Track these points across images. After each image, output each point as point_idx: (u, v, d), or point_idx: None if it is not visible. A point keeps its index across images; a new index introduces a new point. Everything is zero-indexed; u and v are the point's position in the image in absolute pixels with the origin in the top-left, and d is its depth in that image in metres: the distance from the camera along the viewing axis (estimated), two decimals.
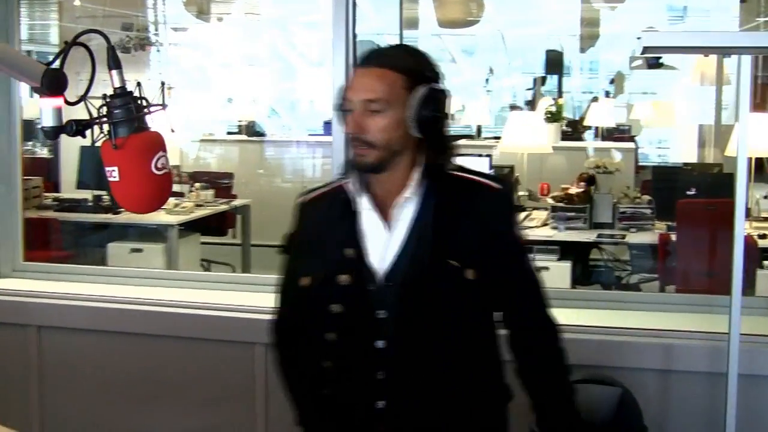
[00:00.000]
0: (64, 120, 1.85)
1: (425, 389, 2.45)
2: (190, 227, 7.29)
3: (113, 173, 1.80)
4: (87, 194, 7.47)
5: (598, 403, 3.56)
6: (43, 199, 7.34)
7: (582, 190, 6.55)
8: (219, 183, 8.00)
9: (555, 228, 6.38)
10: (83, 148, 7.67)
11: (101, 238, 7.18)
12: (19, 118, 4.91)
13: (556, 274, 6.02)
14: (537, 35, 10.27)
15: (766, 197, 6.67)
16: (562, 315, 3.98)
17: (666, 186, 6.82)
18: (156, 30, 9.24)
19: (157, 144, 1.81)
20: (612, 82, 11.57)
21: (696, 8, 9.48)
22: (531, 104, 10.85)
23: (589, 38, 10.37)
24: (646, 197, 6.67)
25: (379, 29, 4.39)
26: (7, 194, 4.86)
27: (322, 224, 2.53)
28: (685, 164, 8.44)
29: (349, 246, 2.45)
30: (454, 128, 10.78)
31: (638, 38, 3.02)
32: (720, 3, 9.13)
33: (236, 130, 10.73)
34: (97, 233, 7.24)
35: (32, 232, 5.15)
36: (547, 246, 6.20)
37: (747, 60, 3.12)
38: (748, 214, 6.05)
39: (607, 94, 11.38)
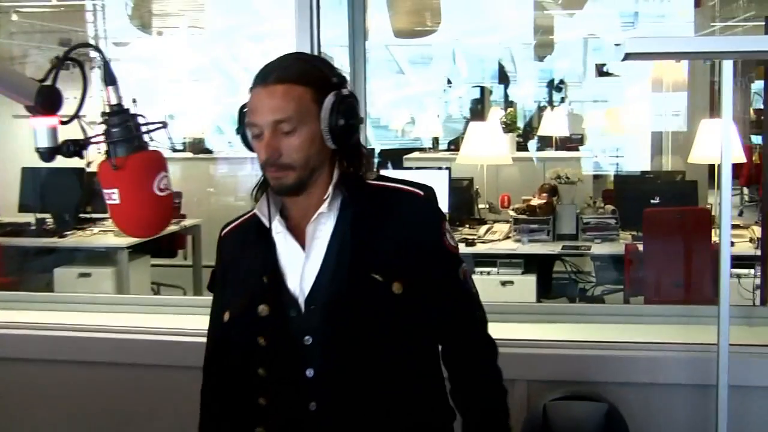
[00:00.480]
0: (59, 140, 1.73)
1: (361, 415, 2.32)
2: (139, 249, 7.13)
3: (113, 195, 1.72)
4: (29, 217, 7.31)
5: (584, 420, 3.52)
6: None
7: (544, 201, 6.51)
8: None
9: (518, 241, 6.35)
10: (24, 170, 7.49)
11: (46, 263, 7.02)
12: None
13: (521, 288, 5.99)
14: (491, 44, 10.26)
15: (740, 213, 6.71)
16: (535, 330, 3.99)
17: (628, 195, 6.80)
18: (96, 45, 9.09)
19: (159, 163, 1.72)
20: (558, 89, 11.57)
21: (647, 14, 9.50)
22: (479, 115, 10.83)
23: (543, 46, 10.39)
24: (610, 207, 6.66)
25: (329, 40, 4.29)
26: None
27: (239, 255, 2.41)
28: (645, 172, 8.44)
29: (264, 273, 2.32)
30: (404, 141, 10.82)
31: (617, 44, 2.99)
32: (672, 9, 9.16)
33: (180, 148, 10.56)
34: (41, 258, 7.07)
35: None
36: (511, 260, 6.14)
37: (729, 64, 3.10)
38: (712, 222, 6.06)
39: (551, 102, 11.40)
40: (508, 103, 11.36)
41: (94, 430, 4.18)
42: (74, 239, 7.03)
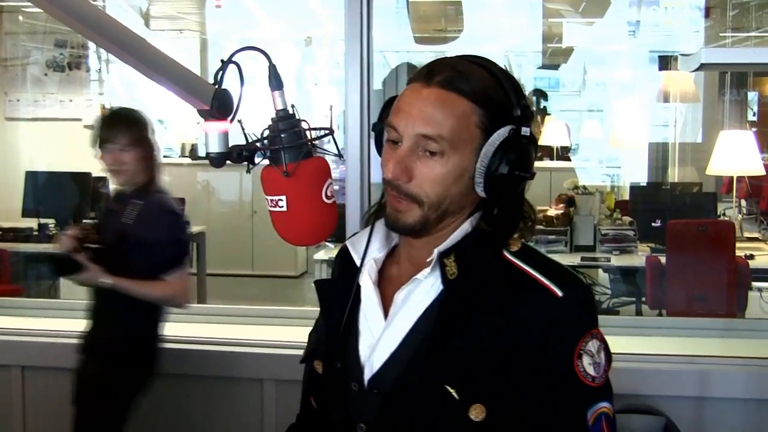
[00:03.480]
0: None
1: None
2: None
3: (279, 202, 1.68)
4: (32, 222, 7.31)
5: None
6: None
7: (562, 211, 6.58)
8: None
9: None
10: (28, 173, 7.49)
11: (49, 271, 7.00)
12: None
13: None
14: (501, 52, 10.33)
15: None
16: None
17: (644, 207, 6.88)
18: (91, 46, 9.07)
19: (326, 171, 1.71)
20: (545, 98, 11.62)
21: (650, 23, 9.59)
22: None
23: (553, 54, 10.49)
24: (627, 218, 6.74)
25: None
26: None
27: (330, 282, 1.96)
28: (661, 183, 8.53)
29: (334, 323, 1.86)
30: None
31: (684, 55, 3.05)
32: (676, 18, 9.26)
33: (176, 153, 10.56)
34: (45, 265, 7.06)
35: None
36: None
37: None
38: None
39: (544, 111, 11.46)
40: None
41: None
42: None
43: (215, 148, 1.69)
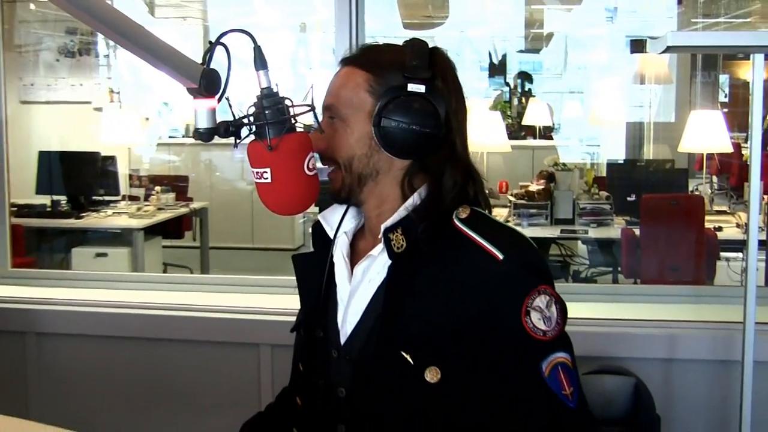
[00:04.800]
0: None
1: None
2: (151, 231, 7.18)
3: (264, 174, 1.71)
4: (45, 199, 7.33)
5: (615, 394, 3.60)
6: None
7: (542, 187, 6.61)
8: (176, 186, 7.89)
9: (518, 224, 6.43)
10: (41, 153, 7.51)
11: (62, 244, 7.05)
12: (5, 131, 4.81)
13: None
14: (486, 37, 10.34)
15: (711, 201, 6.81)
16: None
17: (620, 182, 6.91)
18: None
19: (308, 145, 1.74)
20: (530, 80, 11.63)
21: (626, 10, 9.62)
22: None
23: (535, 39, 10.51)
24: (604, 193, 6.76)
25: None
26: None
27: (307, 256, 2.00)
28: (636, 160, 8.57)
29: (312, 295, 1.92)
30: None
31: (652, 38, 3.07)
32: (650, 5, 9.28)
33: (181, 134, 10.56)
34: (58, 239, 7.10)
35: None
36: None
37: (760, 58, 3.17)
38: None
39: (524, 93, 11.47)
40: (500, 94, 11.40)
41: (103, 398, 4.23)
42: (90, 221, 7.05)
43: (204, 124, 1.73)
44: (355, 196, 1.85)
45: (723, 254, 6.16)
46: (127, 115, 7.88)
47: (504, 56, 10.94)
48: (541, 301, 1.71)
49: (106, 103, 8.44)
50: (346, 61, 1.86)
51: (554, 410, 1.70)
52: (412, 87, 1.75)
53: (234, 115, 1.74)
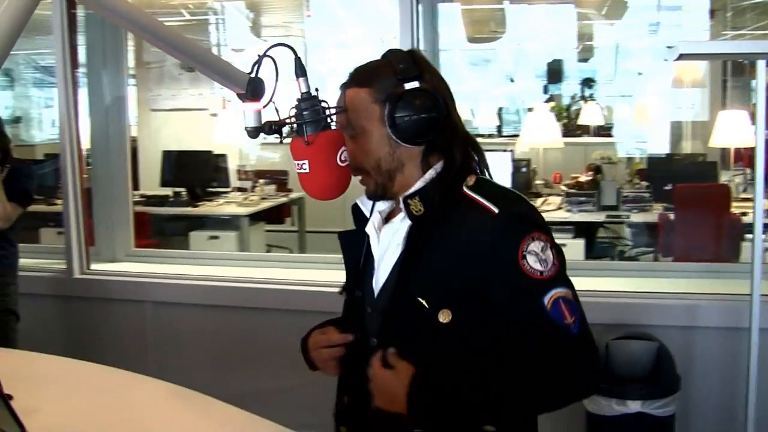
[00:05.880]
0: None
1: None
2: (256, 217, 7.30)
3: (303, 166, 1.78)
4: (168, 191, 7.52)
5: (640, 356, 3.60)
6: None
7: (591, 178, 6.59)
8: (277, 179, 7.99)
9: (569, 211, 6.41)
10: (165, 152, 7.69)
11: (181, 228, 7.21)
12: (128, 134, 4.98)
13: (572, 249, 6.03)
14: (543, 49, 10.30)
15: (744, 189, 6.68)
16: (590, 282, 4.01)
17: (659, 174, 6.82)
18: (218, 52, 9.22)
19: (340, 140, 1.80)
20: (590, 86, 11.52)
21: (667, 24, 9.47)
22: (530, 108, 10.89)
23: (585, 51, 10.41)
24: (644, 183, 6.70)
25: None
26: (121, 193, 4.93)
27: (349, 233, 2.04)
28: (673, 154, 8.45)
29: (353, 262, 1.99)
30: (471, 130, 10.85)
31: (669, 47, 3.04)
32: (688, 19, 9.13)
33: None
34: (177, 224, 7.26)
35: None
36: (562, 226, 6.22)
37: (762, 64, 3.13)
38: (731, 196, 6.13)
39: (584, 98, 11.37)
40: (550, 98, 11.33)
41: (207, 357, 4.40)
42: (205, 209, 7.20)
43: (251, 123, 1.81)
44: (389, 190, 1.89)
45: (747, 236, 6.05)
46: (236, 119, 7.99)
47: (560, 64, 10.87)
48: (535, 245, 1.74)
49: (220, 109, 8.58)
50: (345, 86, 1.89)
51: (558, 337, 1.71)
52: (408, 85, 1.81)
53: (279, 116, 1.80)
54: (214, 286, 4.46)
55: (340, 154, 1.79)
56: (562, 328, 1.71)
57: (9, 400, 2.09)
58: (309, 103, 1.77)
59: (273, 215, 7.78)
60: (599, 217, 6.41)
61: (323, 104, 1.79)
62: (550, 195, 6.90)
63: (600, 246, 6.94)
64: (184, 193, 7.43)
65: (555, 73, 10.84)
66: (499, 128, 10.88)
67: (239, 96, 1.82)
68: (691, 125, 9.01)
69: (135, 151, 9.04)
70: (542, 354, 1.72)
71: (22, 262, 4.37)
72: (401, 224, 1.88)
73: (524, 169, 6.94)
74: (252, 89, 1.80)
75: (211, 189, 7.58)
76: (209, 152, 7.66)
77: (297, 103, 1.79)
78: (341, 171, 1.80)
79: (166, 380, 2.44)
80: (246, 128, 1.82)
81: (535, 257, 1.73)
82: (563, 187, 6.74)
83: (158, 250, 5.33)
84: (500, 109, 11.08)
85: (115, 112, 4.91)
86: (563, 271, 1.78)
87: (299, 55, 1.79)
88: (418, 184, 1.86)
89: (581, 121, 10.53)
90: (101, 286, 4.61)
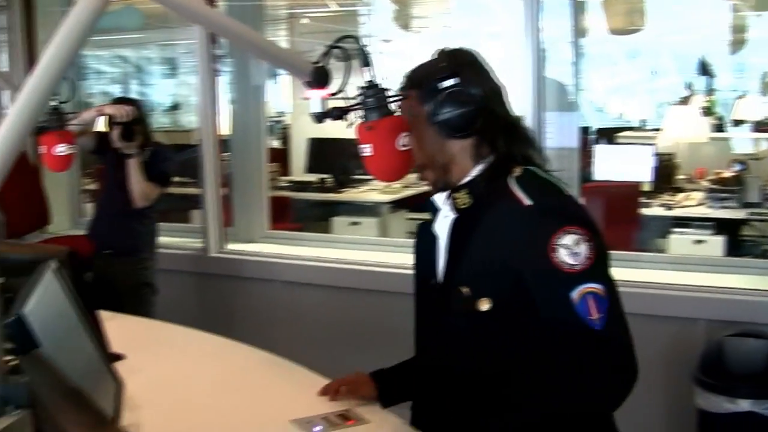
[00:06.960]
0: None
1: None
2: (398, 205, 7.40)
3: (366, 149, 1.90)
4: (314, 177, 7.72)
5: (754, 354, 3.53)
6: (279, 182, 7.61)
7: (733, 174, 6.41)
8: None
9: (710, 207, 6.26)
10: (310, 140, 7.90)
11: (324, 213, 7.39)
12: (265, 118, 5.20)
13: (712, 246, 5.90)
14: (693, 41, 10.02)
15: None
16: (725, 279, 3.92)
17: None
18: (368, 43, 9.34)
19: (401, 126, 1.89)
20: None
21: None
22: (684, 101, 10.60)
23: (737, 43, 10.05)
24: None
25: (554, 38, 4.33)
26: (257, 178, 5.15)
27: (424, 225, 2.14)
28: None
29: (425, 252, 2.09)
30: (617, 122, 10.69)
31: None
32: None
33: None
34: (320, 209, 7.45)
35: (272, 207, 5.41)
36: (703, 222, 6.09)
37: None
38: None
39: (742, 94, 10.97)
40: (709, 92, 11.01)
41: (332, 338, 4.54)
42: (347, 195, 7.35)
43: (316, 108, 1.94)
44: (448, 180, 1.98)
45: None
46: None
47: (708, 58, 10.54)
48: (568, 239, 1.76)
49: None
50: (402, 89, 2.01)
51: (580, 332, 1.73)
52: (446, 83, 1.91)
53: (346, 103, 1.92)
54: (344, 268, 4.60)
55: (401, 139, 1.88)
56: (585, 323, 1.73)
57: (120, 359, 2.30)
58: (372, 90, 1.88)
59: (416, 203, 7.88)
60: (741, 213, 6.24)
61: (386, 93, 1.90)
62: (693, 190, 6.75)
63: (744, 244, 6.74)
64: (329, 179, 7.61)
65: (705, 66, 10.51)
66: (644, 122, 10.65)
67: (304, 84, 1.95)
68: None
69: (286, 139, 9.38)
70: (562, 348, 1.78)
71: (165, 240, 4.65)
72: (447, 217, 2.00)
73: (665, 163, 6.81)
74: (317, 77, 1.93)
75: (354, 176, 7.74)
76: (353, 140, 7.81)
77: (361, 91, 1.90)
78: (401, 155, 1.89)
79: (286, 357, 2.60)
80: (312, 113, 1.95)
81: (566, 250, 1.76)
82: (705, 183, 6.59)
83: (290, 233, 5.52)
84: (647, 102, 10.85)
85: (253, 101, 5.13)
86: (600, 266, 1.79)
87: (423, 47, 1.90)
88: (470, 176, 1.97)
89: (737, 116, 10.18)
90: (234, 265, 4.85)
